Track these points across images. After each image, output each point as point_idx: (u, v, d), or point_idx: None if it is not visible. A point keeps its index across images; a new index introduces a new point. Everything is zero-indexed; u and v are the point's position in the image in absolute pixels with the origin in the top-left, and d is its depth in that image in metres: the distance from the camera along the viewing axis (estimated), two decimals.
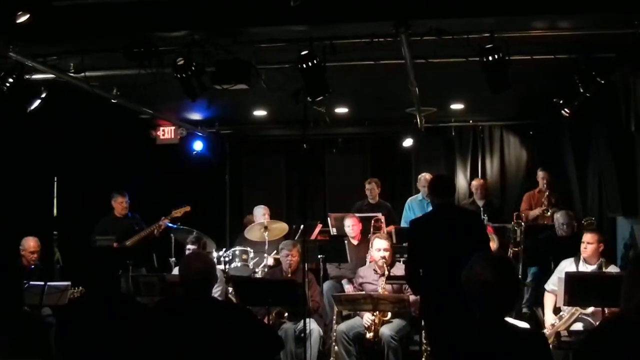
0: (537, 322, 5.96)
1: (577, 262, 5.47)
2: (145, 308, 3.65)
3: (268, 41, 5.14)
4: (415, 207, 8.34)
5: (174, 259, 7.33)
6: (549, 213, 7.48)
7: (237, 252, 7.11)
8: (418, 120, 8.25)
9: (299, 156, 9.05)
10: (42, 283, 5.72)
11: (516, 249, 6.89)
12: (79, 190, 8.10)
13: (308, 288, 5.52)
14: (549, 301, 5.47)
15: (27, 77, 5.58)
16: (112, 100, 6.63)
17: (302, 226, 7.11)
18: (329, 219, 7.97)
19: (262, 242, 7.10)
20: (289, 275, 5.94)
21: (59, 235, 7.53)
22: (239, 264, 7.03)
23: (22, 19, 4.36)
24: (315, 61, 4.95)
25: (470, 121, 9.32)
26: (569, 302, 4.89)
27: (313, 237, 7.69)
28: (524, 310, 6.77)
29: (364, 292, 5.74)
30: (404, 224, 8.02)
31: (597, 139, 7.23)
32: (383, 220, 7.61)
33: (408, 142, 9.30)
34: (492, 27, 4.74)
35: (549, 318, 5.38)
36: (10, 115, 6.40)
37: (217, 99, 6.39)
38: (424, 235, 4.60)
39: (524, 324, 4.91)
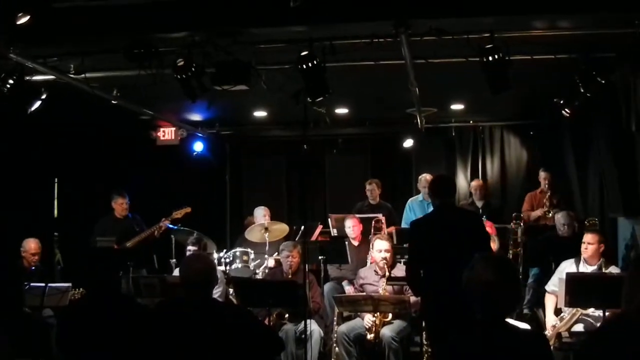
0: (538, 323, 5.95)
1: (577, 263, 5.46)
2: (146, 309, 3.65)
3: (268, 42, 5.14)
4: (415, 207, 8.33)
5: (174, 260, 7.33)
6: (550, 215, 7.46)
7: (237, 254, 7.11)
8: (418, 120, 8.25)
9: (299, 157, 9.06)
10: (43, 284, 5.72)
11: (516, 250, 6.89)
12: (79, 191, 8.10)
13: (309, 289, 5.51)
14: (549, 302, 5.46)
15: (27, 78, 5.58)
16: (113, 101, 6.63)
17: (302, 227, 7.10)
18: (329, 219, 7.96)
19: (263, 243, 7.10)
20: (290, 277, 5.93)
21: (60, 236, 7.52)
22: (239, 265, 7.03)
23: (23, 20, 4.36)
24: (315, 62, 4.95)
25: (471, 121, 9.32)
26: (569, 303, 4.88)
27: (313, 238, 7.69)
28: (525, 311, 6.76)
29: (364, 293, 5.73)
30: (404, 224, 8.01)
31: (598, 139, 7.23)
32: (384, 221, 7.60)
33: (408, 143, 9.29)
34: (492, 27, 4.73)
35: (550, 319, 5.37)
36: (11, 116, 6.40)
37: (217, 99, 6.38)
38: (425, 236, 4.60)
39: (525, 325, 4.90)
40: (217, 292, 5.81)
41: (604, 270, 5.26)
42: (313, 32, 4.88)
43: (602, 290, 4.55)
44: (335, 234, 7.76)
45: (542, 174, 7.91)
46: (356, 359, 5.63)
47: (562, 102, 6.16)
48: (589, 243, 5.37)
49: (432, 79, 5.94)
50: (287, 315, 5.76)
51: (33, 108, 5.94)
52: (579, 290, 4.76)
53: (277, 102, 6.83)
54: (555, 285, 5.39)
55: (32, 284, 5.71)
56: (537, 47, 5.06)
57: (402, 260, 6.21)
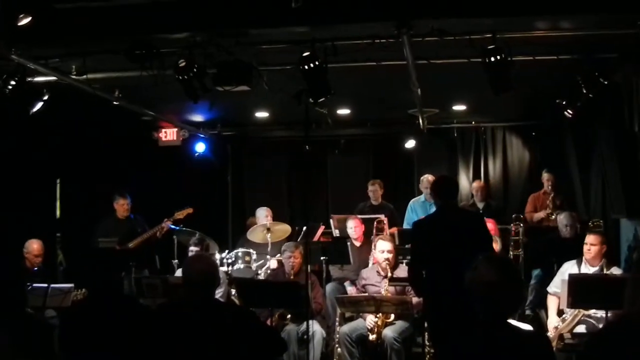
0: (540, 324, 5.94)
1: (579, 264, 5.44)
2: (148, 310, 3.65)
3: (270, 42, 5.14)
4: (417, 208, 8.32)
5: (176, 260, 7.33)
6: (553, 217, 7.43)
7: (239, 254, 7.10)
8: (420, 121, 8.25)
9: (301, 157, 9.05)
10: (45, 285, 5.72)
11: (516, 251, 6.87)
12: (81, 192, 8.11)
13: (311, 290, 5.51)
14: (552, 304, 5.45)
15: (29, 79, 5.58)
16: (114, 102, 6.63)
17: (304, 228, 7.10)
18: (331, 220, 7.95)
19: (265, 244, 7.09)
20: (292, 277, 5.93)
21: (62, 237, 7.53)
22: (241, 266, 7.02)
23: (24, 21, 4.36)
24: (317, 62, 4.95)
25: (473, 122, 9.31)
26: (572, 304, 4.87)
27: (315, 238, 7.69)
28: (527, 312, 6.75)
29: (366, 294, 5.73)
30: (406, 225, 8.01)
31: (600, 140, 7.22)
32: (386, 221, 7.59)
33: (410, 144, 9.29)
34: (494, 28, 4.72)
35: (553, 321, 5.36)
36: (13, 117, 6.41)
37: (219, 100, 6.38)
38: (427, 237, 4.59)
39: (527, 326, 4.89)
40: (219, 293, 5.81)
41: (605, 271, 5.24)
42: (315, 32, 4.88)
43: (604, 291, 4.54)
44: (337, 235, 7.75)
45: (545, 176, 7.89)
46: (358, 359, 5.62)
47: (564, 102, 6.15)
48: (592, 244, 5.35)
49: (434, 79, 5.94)
50: (289, 316, 5.76)
51: (35, 109, 5.94)
52: (581, 292, 4.75)
53: (279, 102, 6.83)
54: (557, 286, 5.38)
55: (34, 285, 5.70)
56: (540, 47, 5.05)
57: (405, 261, 6.20)
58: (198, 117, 9.05)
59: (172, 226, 7.30)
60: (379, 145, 9.89)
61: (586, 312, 5.10)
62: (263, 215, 7.67)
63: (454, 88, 7.15)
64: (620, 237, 7.24)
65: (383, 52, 5.02)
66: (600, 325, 4.90)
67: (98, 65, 5.60)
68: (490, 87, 5.02)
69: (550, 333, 5.20)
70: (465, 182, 9.34)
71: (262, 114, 8.87)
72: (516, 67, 4.89)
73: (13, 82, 5.35)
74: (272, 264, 6.97)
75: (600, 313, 4.99)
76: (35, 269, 6.41)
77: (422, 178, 8.46)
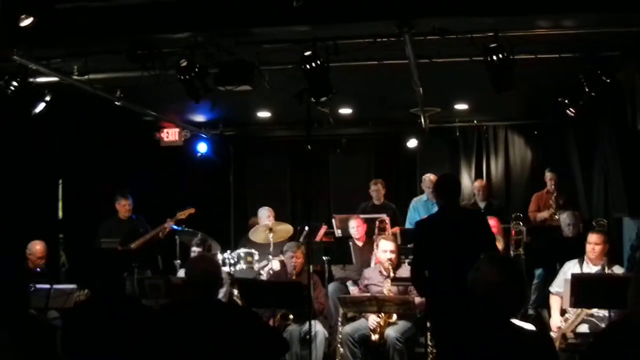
0: (543, 324, 5.93)
1: (581, 263, 5.43)
2: (151, 310, 3.64)
3: (271, 42, 5.13)
4: (419, 208, 8.31)
5: (179, 261, 7.32)
6: (556, 217, 7.41)
7: (242, 254, 7.09)
8: (422, 120, 8.24)
9: (303, 157, 9.05)
10: (48, 286, 5.72)
11: (517, 251, 6.85)
12: (84, 192, 8.11)
13: (313, 290, 5.50)
14: (554, 303, 5.44)
15: (31, 80, 5.58)
16: (116, 103, 6.63)
17: (306, 228, 7.10)
18: (333, 220, 7.95)
19: (267, 244, 7.09)
20: (294, 277, 5.93)
21: (65, 238, 7.53)
22: (244, 266, 7.02)
23: (26, 22, 4.36)
24: (318, 62, 4.94)
25: (475, 121, 9.29)
26: (575, 303, 4.85)
27: (318, 238, 7.69)
28: (530, 312, 6.74)
29: (369, 294, 5.72)
30: (408, 225, 8.00)
31: (603, 138, 7.19)
32: (388, 221, 7.59)
33: (412, 143, 9.27)
34: (496, 26, 4.72)
35: (555, 320, 5.35)
36: (15, 118, 6.41)
37: (220, 100, 6.38)
38: (430, 236, 4.58)
39: (530, 326, 4.88)
40: (220, 293, 5.80)
41: (607, 270, 5.23)
42: (316, 32, 4.87)
43: (606, 290, 4.53)
44: (340, 235, 7.75)
45: (548, 175, 7.87)
46: (361, 359, 5.62)
47: (566, 101, 6.13)
48: (596, 244, 5.34)
49: (435, 78, 5.93)
50: (291, 316, 5.75)
51: (37, 110, 5.94)
52: (584, 291, 4.74)
53: (281, 102, 6.83)
54: (559, 286, 5.37)
55: (37, 286, 5.70)
56: (542, 46, 5.03)
57: (407, 261, 6.20)
58: (200, 117, 9.05)
59: (175, 226, 7.30)
60: (380, 144, 9.89)
61: (589, 312, 5.09)
62: (265, 215, 7.66)
63: (456, 87, 7.14)
64: (622, 236, 7.22)
65: (385, 51, 5.02)
66: (603, 325, 4.89)
67: (99, 66, 5.60)
68: (492, 86, 5.01)
69: (553, 333, 5.19)
70: (467, 182, 9.33)
71: (263, 114, 8.87)
72: (518, 66, 4.88)
73: (15, 83, 5.35)
74: (275, 264, 6.96)
75: (603, 312, 4.99)
76: (38, 270, 6.42)
77: (424, 177, 8.44)
